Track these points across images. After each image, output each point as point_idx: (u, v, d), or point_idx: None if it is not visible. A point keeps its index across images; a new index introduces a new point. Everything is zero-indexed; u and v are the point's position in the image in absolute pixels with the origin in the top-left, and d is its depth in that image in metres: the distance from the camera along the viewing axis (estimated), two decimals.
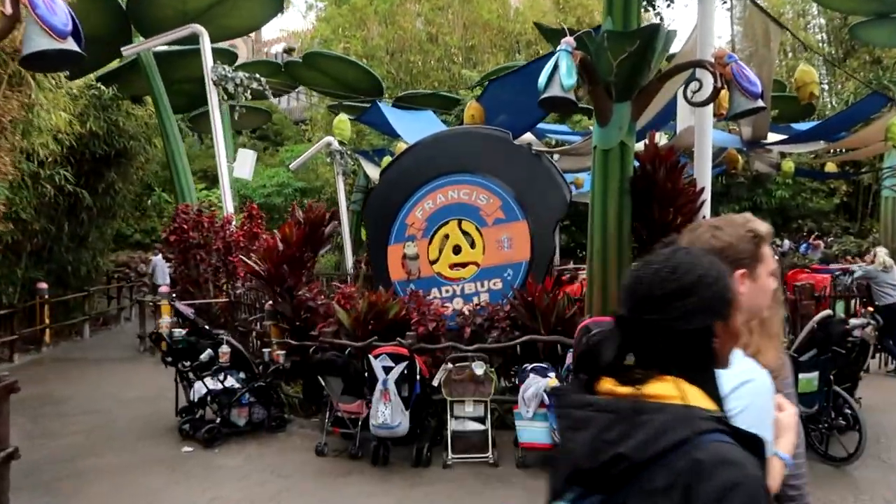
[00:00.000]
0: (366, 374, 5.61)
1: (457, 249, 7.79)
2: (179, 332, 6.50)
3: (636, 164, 6.71)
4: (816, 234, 21.45)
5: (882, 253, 8.98)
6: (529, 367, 5.55)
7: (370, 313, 6.48)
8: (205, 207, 12.37)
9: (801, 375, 5.22)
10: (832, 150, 17.89)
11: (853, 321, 6.05)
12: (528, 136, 12.36)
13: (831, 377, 5.46)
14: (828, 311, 6.19)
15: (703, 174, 7.11)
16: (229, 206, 12.01)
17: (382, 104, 12.11)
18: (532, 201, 7.46)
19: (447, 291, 7.72)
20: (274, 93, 17.83)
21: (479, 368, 5.43)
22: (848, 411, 5.47)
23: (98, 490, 5.14)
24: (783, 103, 16.41)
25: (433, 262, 7.84)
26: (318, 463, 5.69)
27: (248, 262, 7.88)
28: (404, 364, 5.47)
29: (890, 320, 8.74)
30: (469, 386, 5.49)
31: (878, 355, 9.13)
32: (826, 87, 25.92)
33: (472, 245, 7.71)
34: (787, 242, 20.59)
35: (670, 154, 6.63)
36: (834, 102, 22.98)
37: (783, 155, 16.74)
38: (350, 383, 5.75)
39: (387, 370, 5.44)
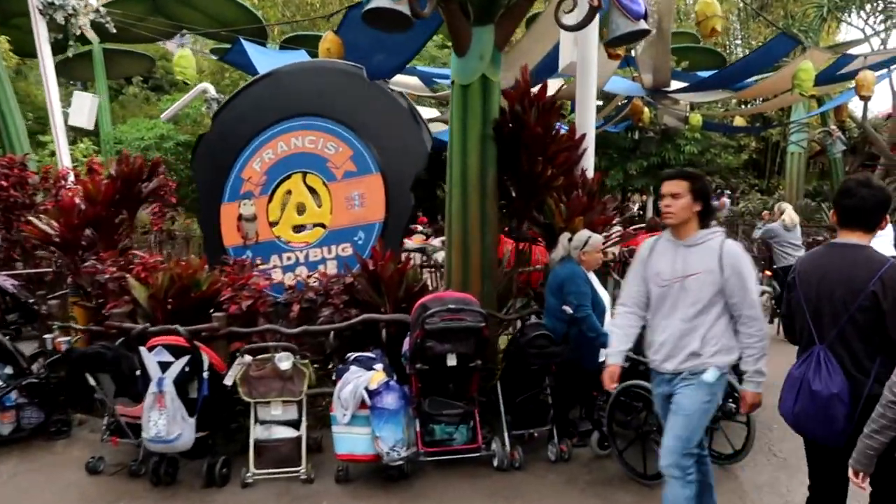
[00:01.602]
0: (139, 373, 4.32)
1: (301, 208, 6.51)
2: None
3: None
4: (722, 190, 21.23)
5: (789, 210, 8.26)
6: (352, 356, 4.40)
7: (172, 289, 5.16)
8: (34, 159, 10.52)
9: None
10: (741, 102, 17.44)
11: None
12: (413, 82, 11.08)
13: None
14: None
15: (586, 119, 6.05)
16: (65, 159, 10.24)
17: (247, 42, 10.49)
18: (388, 151, 6.23)
19: (289, 259, 6.46)
20: (150, 36, 15.79)
21: (284, 362, 4.24)
22: (732, 403, 4.59)
23: None
24: (695, 55, 15.71)
25: (273, 224, 6.54)
26: (86, 485, 4.40)
27: (39, 224, 6.36)
28: (186, 358, 4.21)
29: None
30: (274, 383, 4.29)
31: (775, 321, 8.51)
32: (739, 41, 25.62)
33: (319, 203, 6.46)
34: None
35: (543, 93, 5.51)
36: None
37: (693, 108, 16.15)
38: (124, 382, 4.46)
39: (164, 367, 4.17)
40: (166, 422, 4.05)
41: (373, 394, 4.10)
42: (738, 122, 15.95)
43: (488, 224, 5.48)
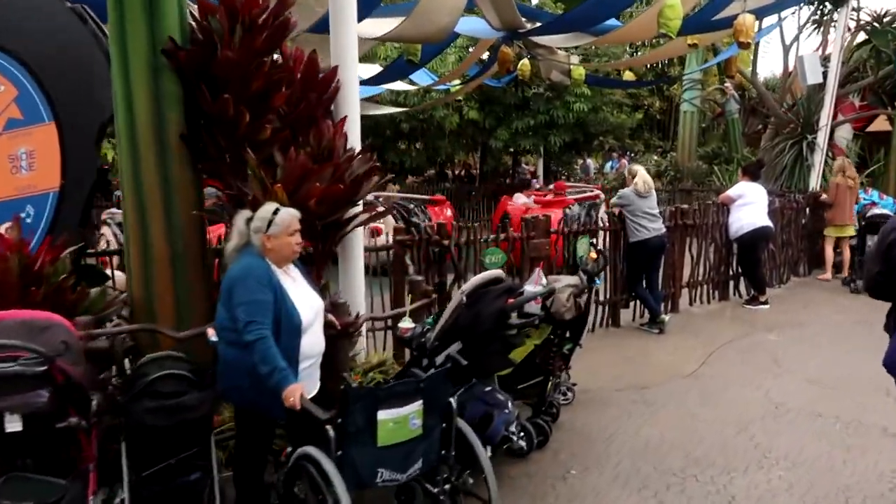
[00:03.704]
0: None
1: None
2: None
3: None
4: (624, 151, 20.17)
5: (641, 172, 6.87)
6: None
7: None
8: None
9: (380, 415, 2.73)
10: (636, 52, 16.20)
11: (527, 288, 3.68)
12: None
13: (454, 405, 3.03)
14: (495, 273, 3.79)
15: (344, 50, 4.42)
16: None
17: None
18: (66, 91, 4.38)
19: None
20: None
21: None
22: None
23: None
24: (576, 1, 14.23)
25: None
26: None
27: None
28: None
29: (643, 261, 6.76)
30: None
31: (631, 304, 7.23)
32: None
33: None
34: (589, 161, 19.07)
35: (254, 3, 3.79)
36: None
37: (587, 60, 14.73)
38: None
39: None
40: None
41: None
42: (628, 76, 14.64)
43: (174, 194, 3.79)
